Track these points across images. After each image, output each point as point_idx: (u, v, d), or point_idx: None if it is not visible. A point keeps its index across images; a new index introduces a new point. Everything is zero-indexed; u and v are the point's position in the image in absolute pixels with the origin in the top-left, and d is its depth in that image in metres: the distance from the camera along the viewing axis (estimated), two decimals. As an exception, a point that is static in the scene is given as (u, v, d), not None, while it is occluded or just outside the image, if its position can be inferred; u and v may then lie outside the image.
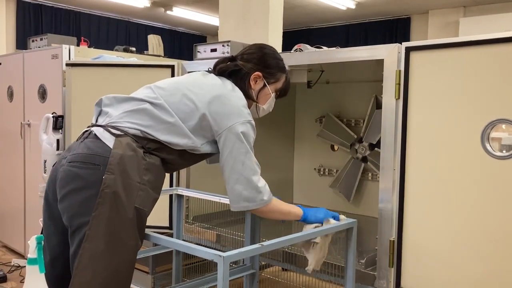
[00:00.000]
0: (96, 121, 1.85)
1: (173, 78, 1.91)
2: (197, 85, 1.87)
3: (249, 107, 1.90)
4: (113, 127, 1.75)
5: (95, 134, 1.74)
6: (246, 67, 1.94)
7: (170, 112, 1.78)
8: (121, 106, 1.82)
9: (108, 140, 1.70)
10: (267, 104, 2.03)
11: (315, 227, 1.94)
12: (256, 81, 1.96)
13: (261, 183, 1.86)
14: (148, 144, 1.75)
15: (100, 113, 1.86)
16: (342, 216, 2.02)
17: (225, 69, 1.94)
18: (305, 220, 1.98)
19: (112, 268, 1.63)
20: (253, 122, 1.84)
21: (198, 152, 1.85)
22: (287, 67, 2.07)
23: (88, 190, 1.63)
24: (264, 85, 1.97)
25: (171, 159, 1.81)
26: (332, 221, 1.97)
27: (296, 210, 2.00)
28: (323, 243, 1.93)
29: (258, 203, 1.84)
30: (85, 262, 1.57)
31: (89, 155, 1.68)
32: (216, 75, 1.95)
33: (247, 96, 1.93)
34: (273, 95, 2.01)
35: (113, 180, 1.62)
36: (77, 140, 1.80)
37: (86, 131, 1.80)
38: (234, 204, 1.84)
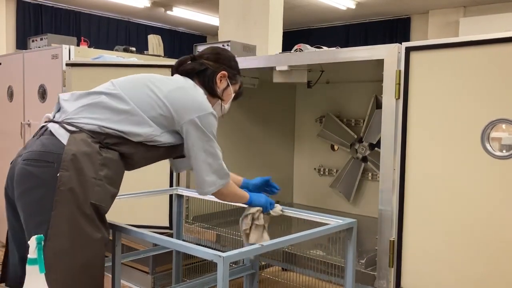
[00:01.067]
0: (54, 117, 1.84)
1: (138, 74, 1.94)
2: (160, 79, 1.89)
3: (212, 105, 1.94)
4: (69, 123, 1.74)
5: (51, 131, 1.73)
6: (212, 66, 1.99)
7: (126, 100, 1.78)
8: (78, 102, 1.82)
9: (63, 136, 1.70)
10: (228, 105, 2.08)
11: (257, 210, 2.12)
12: (221, 80, 2.01)
13: (223, 166, 1.93)
14: (106, 139, 1.74)
15: (59, 110, 1.86)
16: (277, 205, 2.20)
17: (191, 69, 1.97)
18: (251, 203, 2.11)
19: (81, 263, 1.65)
20: (214, 112, 1.88)
21: (159, 143, 1.84)
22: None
23: (43, 188, 1.64)
24: (228, 85, 2.03)
25: (131, 153, 1.80)
26: (279, 207, 2.19)
27: (245, 194, 2.10)
28: (247, 221, 2.14)
29: (220, 185, 1.92)
30: (50, 261, 1.53)
31: (43, 153, 1.68)
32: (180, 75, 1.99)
33: (214, 94, 1.98)
34: (232, 95, 2.08)
35: (68, 177, 1.63)
36: (33, 137, 1.79)
37: (43, 127, 1.79)
38: (201, 190, 1.90)
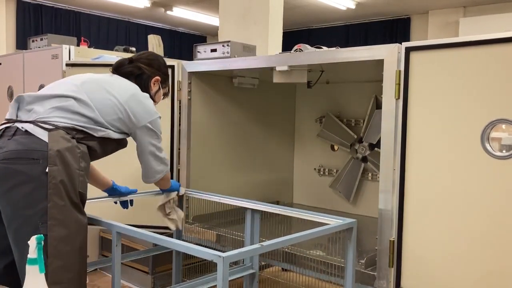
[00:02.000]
0: (17, 116, 1.96)
1: (90, 74, 2.16)
2: (113, 83, 2.13)
3: None
4: (44, 122, 1.89)
5: (26, 130, 1.85)
6: (148, 70, 2.26)
7: (92, 107, 1.99)
8: (47, 103, 1.97)
9: (42, 135, 1.84)
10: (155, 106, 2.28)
11: (175, 194, 2.58)
12: (155, 84, 2.29)
13: (166, 157, 2.26)
14: (77, 134, 1.94)
15: (18, 109, 1.98)
16: (182, 188, 2.64)
17: (130, 72, 2.23)
18: (172, 188, 2.52)
19: (78, 247, 1.86)
20: (160, 115, 2.18)
21: (113, 138, 2.07)
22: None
23: (31, 183, 1.78)
24: (159, 89, 2.32)
25: (94, 146, 2.00)
26: (182, 187, 2.65)
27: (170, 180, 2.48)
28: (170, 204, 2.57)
29: (166, 171, 2.28)
30: (54, 249, 1.76)
31: (25, 151, 1.81)
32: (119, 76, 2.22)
33: (149, 96, 2.22)
34: (162, 97, 2.38)
35: (58, 171, 1.80)
36: (1, 137, 1.88)
37: (8, 127, 1.91)
38: (150, 178, 2.24)
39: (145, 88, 2.23)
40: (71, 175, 1.85)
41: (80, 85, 2.04)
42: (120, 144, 2.14)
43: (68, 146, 1.86)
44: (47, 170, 1.78)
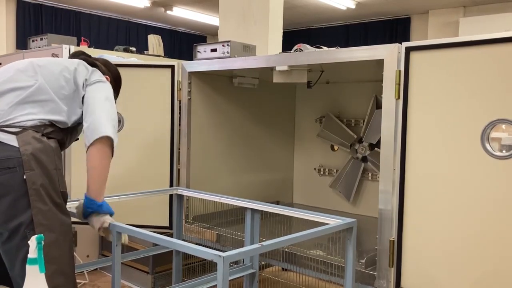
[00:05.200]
0: None
1: (32, 59, 2.06)
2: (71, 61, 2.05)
3: None
4: (8, 126, 1.78)
5: None
6: (101, 68, 2.14)
7: (47, 90, 1.88)
8: (3, 100, 1.85)
9: (11, 140, 1.74)
10: None
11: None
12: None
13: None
14: (46, 130, 1.83)
15: None
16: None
17: (89, 61, 2.13)
18: (101, 207, 1.92)
19: (67, 249, 1.80)
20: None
21: (73, 124, 1.96)
22: None
23: (12, 194, 1.69)
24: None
25: (62, 138, 1.91)
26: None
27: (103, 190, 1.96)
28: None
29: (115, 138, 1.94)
30: (45, 256, 1.49)
31: None
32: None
33: None
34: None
35: (36, 175, 1.71)
36: None
37: None
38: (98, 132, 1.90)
39: None
40: (50, 176, 1.76)
41: (37, 68, 1.95)
42: (80, 129, 2.01)
43: (41, 147, 1.76)
44: (25, 177, 1.69)
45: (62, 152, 2.02)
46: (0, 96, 1.86)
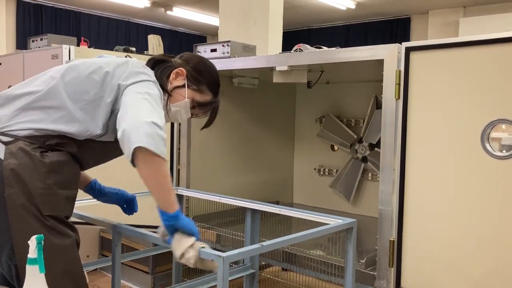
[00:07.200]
0: None
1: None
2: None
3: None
4: (3, 133, 1.58)
5: None
6: (175, 61, 1.80)
7: (59, 95, 1.59)
8: (12, 105, 1.63)
9: (0, 151, 1.54)
10: (176, 107, 1.77)
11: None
12: (178, 77, 1.76)
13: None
14: (48, 141, 1.57)
15: None
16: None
17: (151, 58, 1.81)
18: (180, 221, 1.55)
19: (62, 272, 1.54)
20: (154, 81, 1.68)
21: (97, 137, 1.64)
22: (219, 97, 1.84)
23: None
24: (184, 86, 1.76)
25: (76, 152, 1.62)
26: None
27: (175, 199, 1.59)
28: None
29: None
30: None
31: None
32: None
33: (162, 86, 1.71)
34: (187, 101, 1.76)
35: (15, 194, 1.49)
36: None
37: None
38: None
39: (162, 77, 1.74)
40: (32, 197, 1.50)
41: (67, 68, 1.65)
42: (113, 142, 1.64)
43: (27, 162, 1.51)
44: (5, 194, 1.48)
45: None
46: (12, 100, 1.65)
